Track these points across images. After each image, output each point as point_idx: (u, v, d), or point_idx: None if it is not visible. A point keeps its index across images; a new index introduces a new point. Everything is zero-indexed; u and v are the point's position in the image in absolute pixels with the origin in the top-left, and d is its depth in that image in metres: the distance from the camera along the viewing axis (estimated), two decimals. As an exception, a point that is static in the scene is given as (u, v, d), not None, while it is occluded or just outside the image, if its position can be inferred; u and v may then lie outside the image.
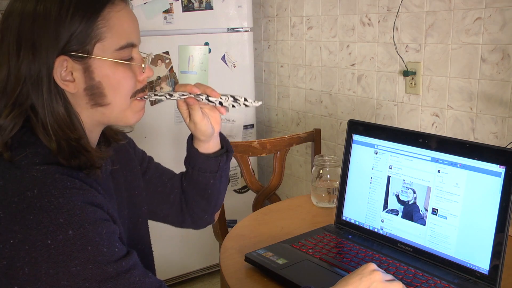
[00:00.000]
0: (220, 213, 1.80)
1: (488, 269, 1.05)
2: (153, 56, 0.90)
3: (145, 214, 1.13)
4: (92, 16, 0.84)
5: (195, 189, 1.18)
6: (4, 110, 0.85)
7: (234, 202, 2.52)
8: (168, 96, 1.00)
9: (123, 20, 0.87)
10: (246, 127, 2.58)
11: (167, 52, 2.25)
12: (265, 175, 2.82)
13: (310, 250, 1.20)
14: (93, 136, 0.94)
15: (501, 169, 1.03)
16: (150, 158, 1.21)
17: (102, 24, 0.84)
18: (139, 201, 1.11)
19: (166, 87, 2.28)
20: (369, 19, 2.02)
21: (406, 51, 1.89)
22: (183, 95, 1.00)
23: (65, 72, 0.85)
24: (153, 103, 2.25)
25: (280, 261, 1.15)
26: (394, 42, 1.91)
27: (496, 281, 1.03)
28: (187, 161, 1.17)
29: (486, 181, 1.05)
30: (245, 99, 1.02)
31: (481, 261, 1.06)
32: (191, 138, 1.15)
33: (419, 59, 1.85)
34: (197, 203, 1.20)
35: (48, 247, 0.74)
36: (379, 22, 1.98)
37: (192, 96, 1.01)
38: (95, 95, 0.88)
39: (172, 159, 2.01)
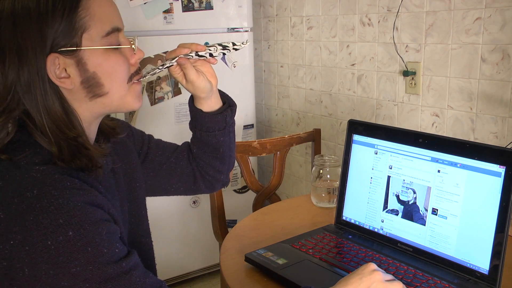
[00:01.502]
0: (220, 213, 1.82)
1: (488, 269, 1.06)
2: (138, 38, 0.94)
3: (146, 207, 1.13)
4: (72, 7, 0.82)
5: (207, 151, 1.18)
6: None
7: (234, 202, 2.54)
8: (161, 67, 1.02)
9: (103, 6, 0.86)
10: (246, 127, 2.59)
11: (166, 52, 2.25)
12: (265, 175, 2.83)
13: (310, 250, 1.21)
14: (92, 129, 0.94)
15: (501, 169, 1.04)
16: (150, 137, 1.21)
17: (84, 14, 0.83)
18: (140, 194, 1.10)
19: (166, 87, 2.28)
20: (369, 19, 2.02)
21: (406, 51, 1.89)
22: (173, 59, 1.02)
23: (59, 70, 0.84)
24: (153, 102, 2.25)
25: (280, 261, 1.16)
26: (394, 42, 1.92)
27: (496, 281, 1.04)
28: (193, 125, 1.17)
29: (486, 181, 1.06)
30: (233, 44, 1.04)
31: (481, 261, 1.07)
32: (192, 101, 1.15)
33: (419, 59, 1.85)
34: (211, 165, 1.20)
35: (48, 248, 0.74)
36: (379, 22, 1.98)
37: (182, 56, 1.02)
38: (92, 86, 0.87)
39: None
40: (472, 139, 1.73)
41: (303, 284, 1.05)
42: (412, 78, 1.87)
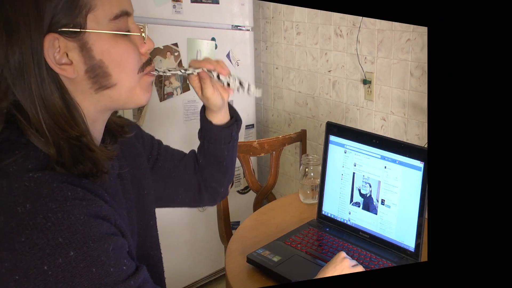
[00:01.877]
0: (226, 216, 2.14)
1: (414, 247, 1.44)
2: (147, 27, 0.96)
3: (155, 216, 1.18)
4: None
5: (212, 164, 1.32)
6: None
7: (237, 204, 2.86)
8: (183, 71, 1.14)
9: None
10: (247, 127, 3.02)
11: (176, 44, 2.54)
12: (263, 175, 3.31)
13: (299, 245, 1.51)
14: (97, 128, 0.93)
15: (421, 164, 1.42)
16: (159, 143, 1.30)
17: None
18: (149, 202, 1.14)
19: (175, 82, 2.59)
20: (341, 31, 2.72)
21: (365, 62, 2.60)
22: (196, 69, 1.15)
23: (59, 54, 0.82)
24: (162, 98, 2.53)
25: (275, 259, 1.42)
26: (357, 53, 2.62)
27: (418, 256, 1.43)
28: (201, 135, 1.30)
29: (413, 174, 1.44)
30: (249, 87, 1.17)
31: (410, 241, 1.46)
32: (203, 111, 1.28)
33: (373, 70, 2.57)
34: (214, 178, 1.34)
35: (44, 275, 0.72)
36: (347, 34, 2.68)
37: (205, 70, 1.14)
38: (99, 76, 0.86)
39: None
40: (405, 140, 2.44)
41: (294, 278, 1.33)
42: (369, 86, 2.60)
